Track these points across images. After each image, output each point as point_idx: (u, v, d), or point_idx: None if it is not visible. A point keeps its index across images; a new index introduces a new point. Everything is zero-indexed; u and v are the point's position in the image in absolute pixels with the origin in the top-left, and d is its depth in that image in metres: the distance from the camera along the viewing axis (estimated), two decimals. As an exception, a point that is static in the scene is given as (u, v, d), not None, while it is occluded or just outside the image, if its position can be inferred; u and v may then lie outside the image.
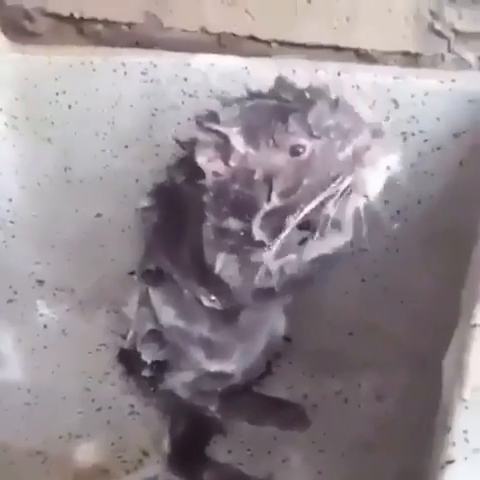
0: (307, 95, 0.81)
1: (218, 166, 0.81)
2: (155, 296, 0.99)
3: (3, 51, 1.21)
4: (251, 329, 1.01)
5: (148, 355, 1.03)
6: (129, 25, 1.20)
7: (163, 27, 1.17)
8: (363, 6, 1.02)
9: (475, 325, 0.70)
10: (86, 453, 1.13)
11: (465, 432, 0.59)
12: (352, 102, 0.82)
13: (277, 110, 0.80)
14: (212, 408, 1.07)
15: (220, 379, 1.03)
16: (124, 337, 1.08)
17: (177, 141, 0.92)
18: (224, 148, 0.80)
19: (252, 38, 1.12)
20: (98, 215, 1.27)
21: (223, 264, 0.86)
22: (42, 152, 1.25)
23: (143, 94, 1.13)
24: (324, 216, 0.79)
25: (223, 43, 1.14)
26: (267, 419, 1.13)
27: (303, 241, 0.84)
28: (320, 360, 1.17)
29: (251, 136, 0.79)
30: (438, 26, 0.99)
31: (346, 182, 0.78)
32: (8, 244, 1.32)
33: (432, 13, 0.99)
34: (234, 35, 1.13)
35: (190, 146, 0.88)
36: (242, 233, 0.83)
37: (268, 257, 0.84)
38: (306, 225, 0.82)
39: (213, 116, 0.83)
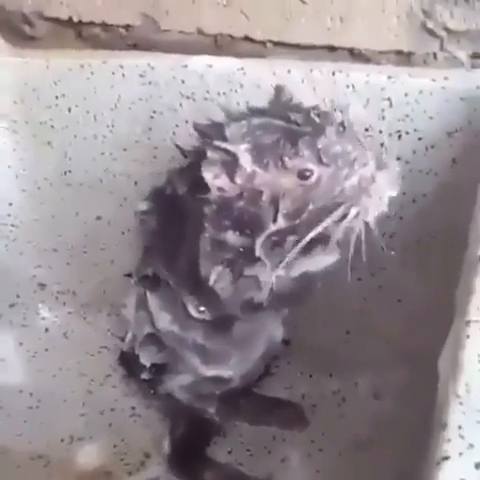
0: (317, 120, 0.81)
1: (224, 183, 0.81)
2: (152, 301, 0.99)
3: (2, 55, 1.22)
4: (246, 338, 1.00)
5: (146, 358, 1.03)
6: (126, 28, 1.21)
7: (160, 29, 1.18)
8: (356, 6, 1.02)
9: (469, 322, 0.70)
10: (88, 456, 1.13)
11: (460, 428, 0.58)
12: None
13: (286, 132, 0.80)
14: (211, 410, 1.07)
15: (218, 383, 1.03)
16: (123, 339, 1.08)
17: (178, 148, 0.93)
18: (231, 165, 0.80)
19: (247, 39, 1.12)
20: (98, 218, 1.27)
21: (218, 276, 0.87)
22: (42, 156, 1.26)
23: (141, 96, 1.14)
24: (324, 238, 0.81)
25: (219, 44, 1.14)
26: (266, 419, 1.13)
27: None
28: (318, 360, 1.17)
29: (259, 155, 0.80)
30: (430, 25, 0.99)
31: (352, 210, 0.79)
32: (9, 248, 1.33)
33: (424, 12, 0.99)
34: (230, 36, 1.13)
35: (192, 155, 0.89)
36: (242, 249, 0.84)
37: (261, 272, 0.86)
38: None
39: (218, 128, 0.83)
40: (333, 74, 1.00)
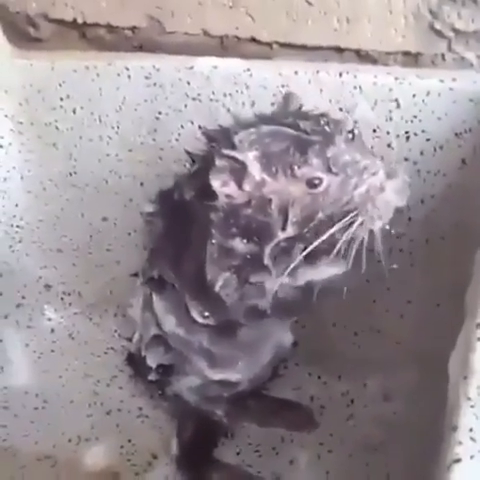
0: (326, 128, 0.81)
1: (232, 190, 0.81)
2: (158, 303, 0.99)
3: (7, 57, 1.21)
4: (252, 344, 1.00)
5: (153, 360, 1.03)
6: (132, 29, 1.20)
7: (166, 31, 1.18)
8: (363, 7, 1.02)
9: (479, 324, 0.70)
10: (95, 456, 1.13)
11: (471, 431, 0.59)
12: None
13: (296, 140, 0.80)
14: (219, 412, 1.07)
15: (226, 386, 1.03)
16: (130, 340, 1.08)
17: (187, 153, 0.93)
18: (239, 173, 0.80)
19: (254, 40, 1.12)
20: (104, 219, 1.27)
21: (224, 282, 0.87)
22: (47, 157, 1.26)
23: (147, 98, 1.14)
24: (330, 245, 0.81)
25: (225, 46, 1.14)
26: (275, 421, 1.14)
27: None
28: (326, 361, 1.18)
29: (268, 163, 0.80)
30: (438, 26, 0.99)
31: (357, 218, 0.79)
32: (15, 249, 1.33)
33: (432, 13, 0.98)
34: (236, 37, 1.13)
35: (201, 160, 0.89)
36: (249, 256, 0.85)
37: (266, 279, 0.86)
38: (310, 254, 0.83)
39: (226, 134, 0.84)
40: (340, 75, 1.00)
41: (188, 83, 1.10)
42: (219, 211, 0.83)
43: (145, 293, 1.02)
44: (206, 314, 0.93)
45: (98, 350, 1.32)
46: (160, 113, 1.14)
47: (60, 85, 1.18)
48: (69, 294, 1.38)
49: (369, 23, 1.02)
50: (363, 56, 1.06)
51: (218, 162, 0.80)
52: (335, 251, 0.80)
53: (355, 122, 0.97)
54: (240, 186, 0.81)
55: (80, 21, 1.22)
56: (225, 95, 1.08)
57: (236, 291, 0.88)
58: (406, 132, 1.00)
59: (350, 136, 0.81)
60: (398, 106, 0.99)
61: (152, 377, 1.06)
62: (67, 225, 1.31)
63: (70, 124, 1.21)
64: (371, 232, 0.80)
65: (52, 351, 1.34)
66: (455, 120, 0.97)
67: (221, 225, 0.84)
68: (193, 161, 0.92)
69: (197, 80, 1.09)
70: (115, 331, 1.33)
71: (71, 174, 1.25)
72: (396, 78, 0.98)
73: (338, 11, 1.04)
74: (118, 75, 1.14)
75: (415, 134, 0.99)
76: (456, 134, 0.97)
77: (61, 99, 1.19)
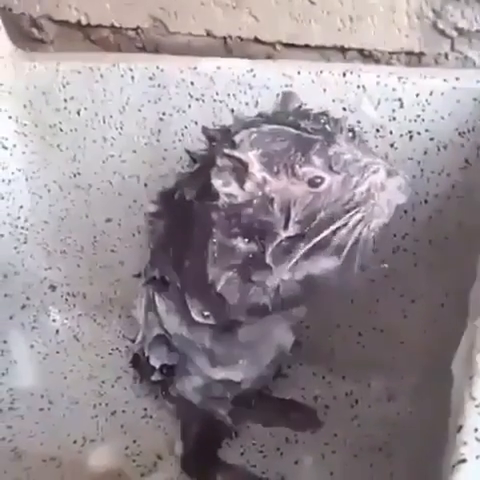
0: (327, 128, 0.81)
1: (233, 189, 0.81)
2: (160, 303, 0.99)
3: (12, 59, 1.22)
4: (253, 343, 1.00)
5: (156, 360, 1.03)
6: (136, 30, 1.20)
7: (169, 32, 1.18)
8: (366, 7, 1.02)
9: (483, 324, 0.70)
10: (100, 457, 1.13)
11: (476, 431, 0.58)
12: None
13: (297, 139, 0.80)
14: (224, 412, 1.06)
15: (229, 386, 1.03)
16: (134, 341, 1.08)
17: (188, 153, 0.93)
18: (241, 172, 0.80)
19: (257, 41, 1.12)
20: (108, 220, 1.27)
21: (226, 282, 0.87)
22: (51, 158, 1.26)
23: (150, 99, 1.14)
24: (328, 242, 0.81)
25: (229, 46, 1.14)
26: (279, 421, 1.14)
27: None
28: (331, 362, 1.18)
29: (269, 163, 0.80)
30: (441, 25, 0.99)
31: (358, 216, 0.79)
32: (20, 250, 1.34)
33: (435, 12, 0.98)
34: (239, 38, 1.12)
35: (202, 160, 0.89)
36: (251, 255, 0.85)
37: (267, 277, 0.86)
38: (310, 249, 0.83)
39: (227, 133, 0.84)
40: (344, 75, 1.00)
41: (192, 84, 1.10)
42: (220, 210, 0.83)
43: (148, 293, 1.02)
44: (206, 314, 0.93)
45: (103, 351, 1.33)
46: (164, 114, 1.14)
47: (64, 86, 1.19)
48: (74, 295, 1.39)
49: (372, 23, 1.02)
50: (366, 56, 1.06)
51: (219, 161, 0.80)
52: (333, 245, 0.80)
53: (358, 121, 0.98)
54: (241, 185, 0.81)
55: (84, 22, 1.23)
56: (229, 95, 1.08)
57: (238, 290, 0.88)
58: (409, 131, 0.99)
59: (350, 134, 0.81)
60: (401, 106, 0.98)
61: (156, 377, 1.06)
62: (71, 226, 1.31)
63: (74, 125, 1.21)
64: (369, 230, 0.80)
65: (57, 352, 1.34)
66: (459, 119, 0.96)
67: (222, 224, 0.84)
68: (194, 161, 0.92)
69: (201, 81, 1.09)
70: (120, 332, 1.34)
71: (75, 175, 1.26)
72: (399, 78, 0.98)
73: (341, 11, 1.03)
74: (122, 76, 1.14)
75: (418, 133, 0.99)
76: (460, 133, 0.97)
77: (65, 100, 1.20)
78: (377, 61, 1.05)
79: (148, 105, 1.14)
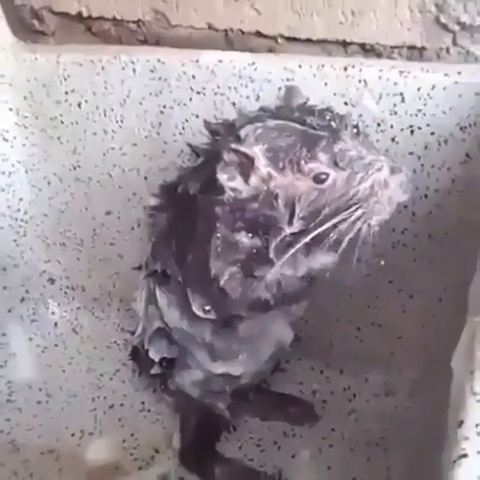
0: (333, 124, 0.81)
1: (238, 184, 0.82)
2: (161, 297, 0.99)
3: (12, 51, 1.21)
4: (253, 338, 1.00)
5: (156, 353, 1.03)
6: (137, 23, 1.20)
7: (171, 24, 1.17)
8: (368, 0, 1.01)
9: (483, 319, 0.70)
10: (98, 450, 1.14)
11: (477, 426, 0.58)
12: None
13: (302, 135, 0.80)
14: (222, 406, 1.07)
15: (228, 380, 1.03)
16: (133, 334, 1.08)
17: (191, 147, 0.93)
18: (246, 167, 0.80)
19: (259, 34, 1.11)
20: (107, 213, 1.27)
21: (229, 276, 0.87)
22: (52, 151, 1.26)
23: (151, 91, 1.13)
24: (327, 236, 0.81)
25: (230, 39, 1.14)
26: (277, 415, 1.14)
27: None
28: (329, 356, 1.18)
29: (275, 158, 0.80)
30: (443, 19, 0.98)
31: (359, 212, 0.80)
32: (19, 243, 1.34)
33: (437, 6, 0.98)
34: (241, 31, 1.12)
35: (205, 154, 0.89)
36: (254, 250, 0.85)
37: (269, 272, 0.86)
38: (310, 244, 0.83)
39: (231, 128, 0.84)
40: (345, 69, 1.00)
41: (193, 77, 1.09)
42: (225, 205, 0.83)
43: (148, 286, 1.02)
44: (207, 308, 0.93)
45: (101, 344, 1.33)
46: (165, 107, 1.14)
47: (65, 79, 1.18)
48: (73, 288, 1.39)
49: (374, 17, 1.02)
50: (368, 50, 1.05)
51: (226, 156, 0.80)
52: (332, 240, 0.80)
53: (360, 116, 0.98)
54: (247, 180, 0.81)
55: (85, 14, 1.22)
56: (230, 89, 1.07)
57: (240, 285, 0.88)
58: (411, 126, 0.99)
59: (355, 131, 0.82)
60: (403, 100, 0.98)
61: (155, 371, 1.06)
62: (71, 219, 1.31)
63: (75, 118, 1.21)
64: (369, 226, 0.80)
65: (55, 345, 1.34)
66: (460, 114, 0.96)
67: (226, 219, 0.84)
68: (197, 155, 0.92)
69: (202, 74, 1.09)
70: (118, 325, 1.34)
71: (75, 168, 1.25)
72: (401, 72, 0.97)
73: (343, 5, 1.03)
74: (123, 69, 1.14)
75: (419, 128, 0.98)
76: (461, 128, 0.96)
77: (66, 93, 1.19)
78: (379, 55, 1.05)
79: (149, 98, 1.14)
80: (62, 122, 1.22)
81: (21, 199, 1.31)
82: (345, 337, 1.17)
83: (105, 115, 1.19)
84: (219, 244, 0.86)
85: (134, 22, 1.20)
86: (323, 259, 0.86)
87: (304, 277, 0.89)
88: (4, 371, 1.29)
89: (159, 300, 0.99)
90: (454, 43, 1.00)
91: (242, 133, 0.80)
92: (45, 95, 1.21)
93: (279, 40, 1.11)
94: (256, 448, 1.11)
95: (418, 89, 0.97)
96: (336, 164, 0.79)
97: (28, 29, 1.28)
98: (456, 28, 0.98)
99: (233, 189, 0.82)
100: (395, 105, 0.99)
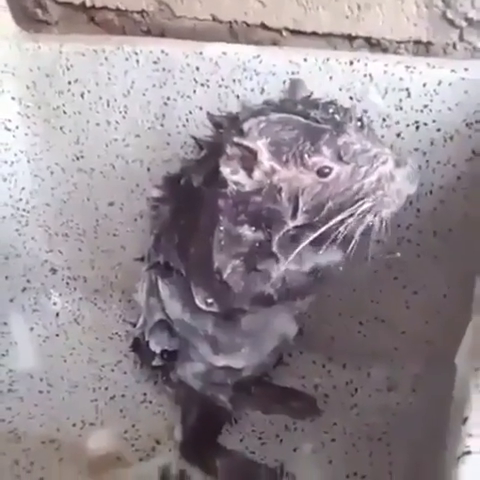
0: (336, 117, 0.81)
1: (241, 178, 0.81)
2: (163, 289, 0.99)
3: (15, 40, 1.21)
4: (256, 331, 1.00)
5: (156, 345, 1.03)
6: (141, 13, 1.19)
7: (175, 15, 1.17)
8: (375, -6, 1.01)
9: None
10: (99, 441, 1.14)
11: (482, 423, 0.59)
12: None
13: (306, 129, 0.80)
14: (224, 398, 1.07)
15: (230, 373, 1.03)
16: (134, 325, 1.08)
17: (195, 139, 0.93)
18: (250, 161, 0.80)
19: (263, 26, 1.11)
20: (110, 204, 1.27)
21: (232, 270, 0.87)
22: (54, 141, 1.25)
23: (155, 83, 1.13)
24: (335, 232, 0.81)
25: (235, 31, 1.13)
26: (279, 409, 1.14)
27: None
28: (331, 350, 1.19)
29: (278, 151, 0.80)
30: (450, 14, 0.98)
31: (366, 205, 0.79)
32: (21, 232, 1.34)
33: (444, 1, 0.97)
34: (246, 23, 1.12)
35: (209, 147, 0.89)
36: (257, 244, 0.85)
37: (273, 266, 0.86)
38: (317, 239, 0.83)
39: (234, 121, 0.84)
40: (351, 63, 0.99)
41: (197, 69, 1.09)
42: (228, 198, 0.83)
43: (150, 278, 1.02)
44: (210, 301, 0.93)
45: (103, 335, 1.33)
46: (168, 98, 1.13)
47: (68, 69, 1.18)
48: (74, 279, 1.39)
49: (380, 11, 1.01)
50: (374, 44, 1.05)
51: (229, 150, 0.80)
52: (341, 236, 0.80)
53: (364, 110, 0.97)
54: (250, 174, 0.81)
55: (89, 4, 1.22)
56: (234, 81, 1.07)
57: (243, 278, 0.88)
58: (416, 122, 0.98)
59: (359, 124, 0.81)
60: (409, 95, 0.97)
61: (156, 362, 1.06)
62: (73, 209, 1.31)
63: (78, 108, 1.21)
64: (380, 220, 0.80)
65: (57, 335, 1.35)
66: (466, 110, 0.95)
67: (230, 212, 0.84)
68: (200, 147, 0.92)
69: (206, 66, 1.08)
70: (120, 316, 1.34)
71: (78, 158, 1.25)
72: (407, 67, 0.97)
73: (349, -2, 1.03)
74: (126, 59, 1.13)
75: (425, 124, 0.98)
76: (467, 124, 0.96)
77: (69, 83, 1.19)
78: (384, 50, 1.05)
79: (152, 89, 1.14)
80: (65, 112, 1.22)
81: (23, 188, 1.30)
82: (348, 331, 1.17)
83: (108, 106, 1.18)
84: (222, 237, 0.86)
85: (138, 12, 1.20)
86: (331, 256, 0.86)
87: (311, 273, 0.88)
88: (5, 360, 1.30)
89: (161, 292, 0.99)
90: (461, 39, 0.99)
91: (245, 127, 0.80)
92: (48, 85, 1.21)
93: (284, 33, 1.10)
94: (258, 441, 1.11)
95: (424, 85, 0.96)
96: (340, 158, 0.79)
97: (31, 18, 1.27)
98: (463, 24, 0.98)
99: (236, 183, 0.82)
100: (401, 100, 0.98)
